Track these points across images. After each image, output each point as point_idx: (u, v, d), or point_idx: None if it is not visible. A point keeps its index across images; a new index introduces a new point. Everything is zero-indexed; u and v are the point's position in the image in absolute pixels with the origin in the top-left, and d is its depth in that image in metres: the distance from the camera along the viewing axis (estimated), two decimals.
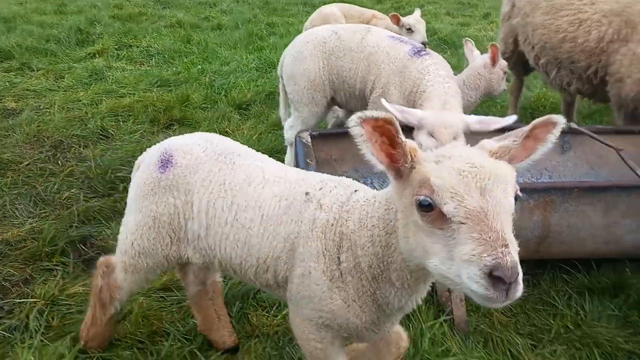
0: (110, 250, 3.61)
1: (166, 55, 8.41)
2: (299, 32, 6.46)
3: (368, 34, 4.13)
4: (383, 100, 3.50)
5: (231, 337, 2.94)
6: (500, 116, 3.52)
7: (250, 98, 6.68)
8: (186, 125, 5.91)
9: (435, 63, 3.85)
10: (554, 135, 1.71)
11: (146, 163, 2.49)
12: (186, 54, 8.55)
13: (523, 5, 5.21)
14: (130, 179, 4.55)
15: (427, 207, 1.56)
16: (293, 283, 2.12)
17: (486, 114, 4.19)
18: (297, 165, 3.55)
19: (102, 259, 2.69)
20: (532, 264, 3.64)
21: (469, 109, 4.50)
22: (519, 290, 1.46)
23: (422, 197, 1.56)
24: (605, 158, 4.10)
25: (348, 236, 1.98)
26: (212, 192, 2.31)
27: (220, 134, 5.48)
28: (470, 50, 4.82)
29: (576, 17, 4.57)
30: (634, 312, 3.30)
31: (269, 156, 5.17)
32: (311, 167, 3.37)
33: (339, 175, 4.13)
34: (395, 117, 1.65)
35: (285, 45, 4.71)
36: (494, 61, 4.52)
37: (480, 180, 1.52)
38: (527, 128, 1.69)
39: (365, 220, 1.94)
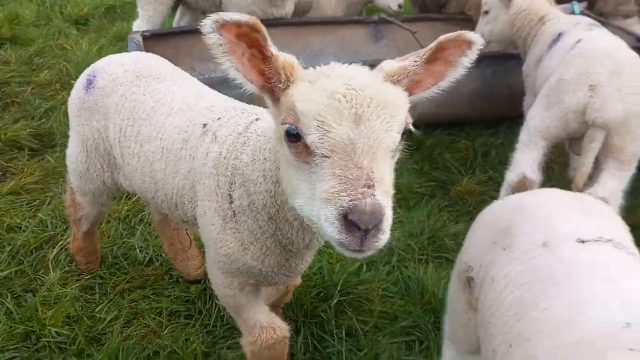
0: None
1: None
2: None
3: None
4: None
5: (196, 271, 2.82)
6: None
7: (88, 12, 6.48)
8: (18, 44, 5.64)
9: None
10: (468, 59, 1.44)
11: (77, 82, 2.34)
12: None
13: None
14: None
15: (294, 137, 1.31)
16: (198, 224, 1.96)
17: None
18: None
19: (68, 175, 2.61)
20: None
21: None
22: (380, 239, 1.23)
23: (287, 126, 1.31)
24: (411, 43, 4.78)
25: (241, 170, 1.72)
26: (124, 119, 2.12)
27: (57, 50, 5.46)
28: None
29: None
30: (426, 164, 4.12)
31: None
32: None
33: None
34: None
35: None
36: None
37: (356, 107, 1.26)
38: (430, 47, 1.42)
39: (258, 152, 1.67)
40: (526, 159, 3.10)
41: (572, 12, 4.26)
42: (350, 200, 1.19)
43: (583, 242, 1.56)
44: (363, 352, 2.51)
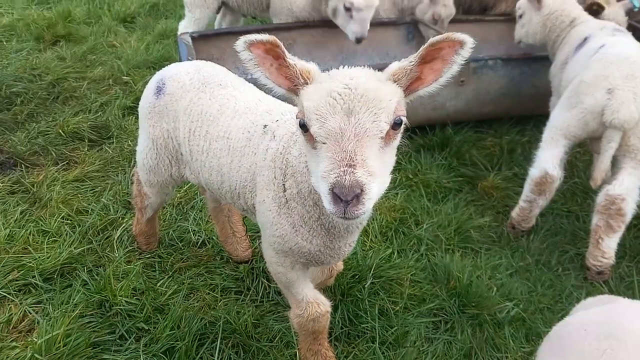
0: (20, 155, 4.07)
1: None
2: None
3: None
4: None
5: (244, 253, 3.16)
6: None
7: (135, 10, 6.88)
8: (72, 41, 6.06)
9: None
10: (460, 57, 1.61)
11: (147, 88, 2.62)
12: None
13: None
14: (26, 93, 4.86)
15: (304, 128, 1.62)
16: (256, 210, 2.24)
17: None
18: None
19: (135, 168, 2.90)
20: None
21: None
22: (360, 210, 1.49)
23: (299, 119, 1.63)
24: None
25: (291, 163, 2.00)
26: (193, 121, 2.40)
27: (107, 47, 5.89)
28: None
29: None
30: (454, 160, 4.36)
31: (159, 64, 5.59)
32: None
33: None
34: None
35: None
36: None
37: (349, 102, 1.53)
38: (423, 48, 1.61)
39: (303, 148, 1.94)
40: (548, 156, 3.33)
41: (633, 7, 4.42)
42: (335, 177, 1.48)
43: None
44: (394, 329, 2.80)
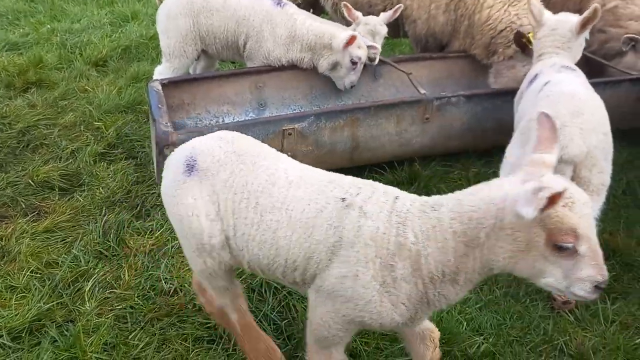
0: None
1: (10, 17, 8.18)
2: None
3: None
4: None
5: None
6: None
7: (107, 54, 6.91)
8: (43, 87, 6.08)
9: (297, 11, 4.81)
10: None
11: (170, 169, 2.53)
12: (32, 14, 8.37)
13: None
14: None
15: (565, 249, 1.92)
16: (328, 281, 2.21)
17: None
18: (150, 111, 4.11)
19: (193, 279, 2.87)
20: (355, 170, 4.67)
21: None
22: None
23: (566, 244, 1.91)
24: (407, 82, 5.13)
25: (408, 247, 2.06)
26: (236, 193, 2.38)
27: (79, 92, 5.89)
28: None
29: None
30: (423, 194, 4.42)
31: (131, 108, 5.59)
32: (162, 111, 3.96)
33: (194, 117, 4.79)
34: None
35: None
36: None
37: (591, 219, 1.98)
38: None
39: (430, 232, 2.05)
40: None
41: None
42: (603, 278, 1.95)
43: None
44: None
